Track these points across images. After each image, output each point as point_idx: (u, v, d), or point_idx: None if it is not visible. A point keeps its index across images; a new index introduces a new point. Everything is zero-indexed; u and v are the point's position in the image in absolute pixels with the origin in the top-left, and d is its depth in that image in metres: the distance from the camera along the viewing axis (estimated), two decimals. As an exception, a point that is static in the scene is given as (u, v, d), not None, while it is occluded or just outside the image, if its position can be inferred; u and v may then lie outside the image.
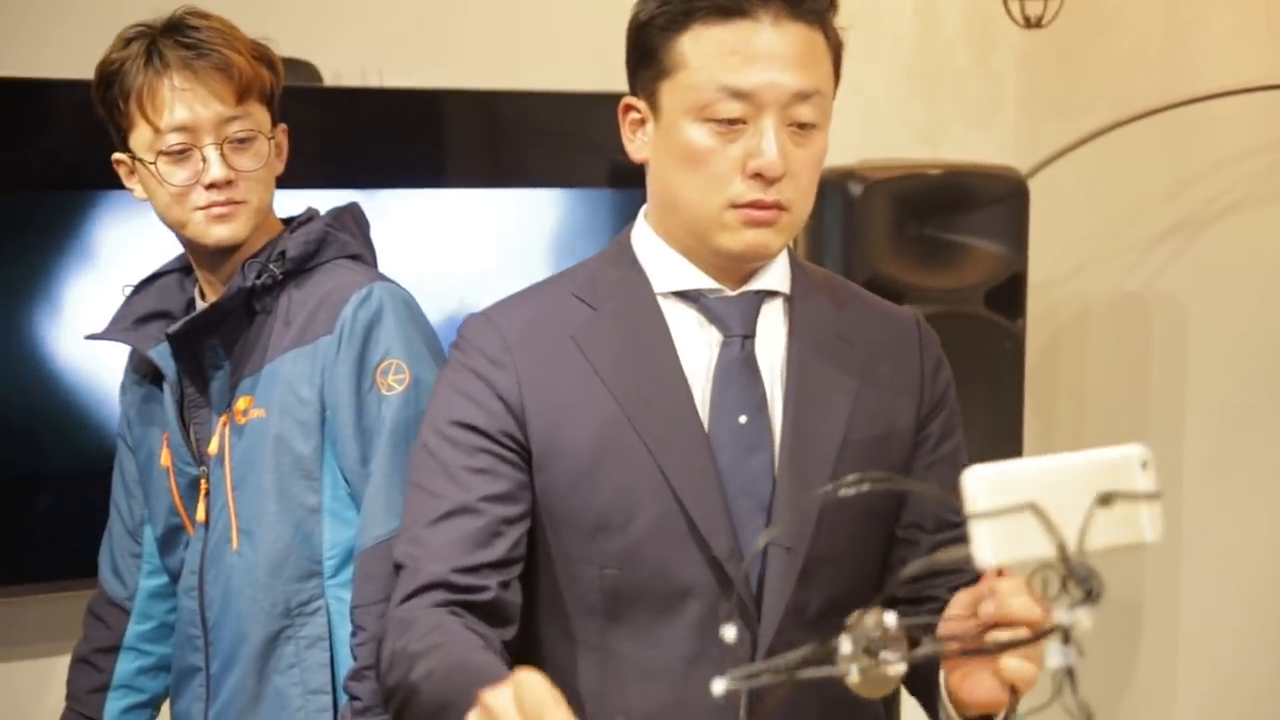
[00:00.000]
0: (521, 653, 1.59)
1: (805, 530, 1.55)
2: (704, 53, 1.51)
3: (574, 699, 1.59)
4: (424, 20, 3.01)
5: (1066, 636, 1.08)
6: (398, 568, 1.56)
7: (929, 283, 2.90)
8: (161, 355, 1.97)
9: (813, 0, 1.53)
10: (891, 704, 2.99)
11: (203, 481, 1.96)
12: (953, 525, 1.61)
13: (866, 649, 1.19)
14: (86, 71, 1.97)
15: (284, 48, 2.80)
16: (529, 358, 1.57)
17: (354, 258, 1.97)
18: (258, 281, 1.91)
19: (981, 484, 1.07)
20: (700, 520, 1.53)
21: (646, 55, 1.56)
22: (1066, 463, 1.10)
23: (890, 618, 1.18)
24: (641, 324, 1.58)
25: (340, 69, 2.90)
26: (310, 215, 2.00)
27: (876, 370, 1.63)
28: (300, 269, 1.93)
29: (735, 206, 1.52)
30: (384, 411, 1.86)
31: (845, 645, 1.17)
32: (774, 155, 1.50)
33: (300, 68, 2.84)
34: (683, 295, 1.60)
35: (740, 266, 1.59)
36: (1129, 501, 1.10)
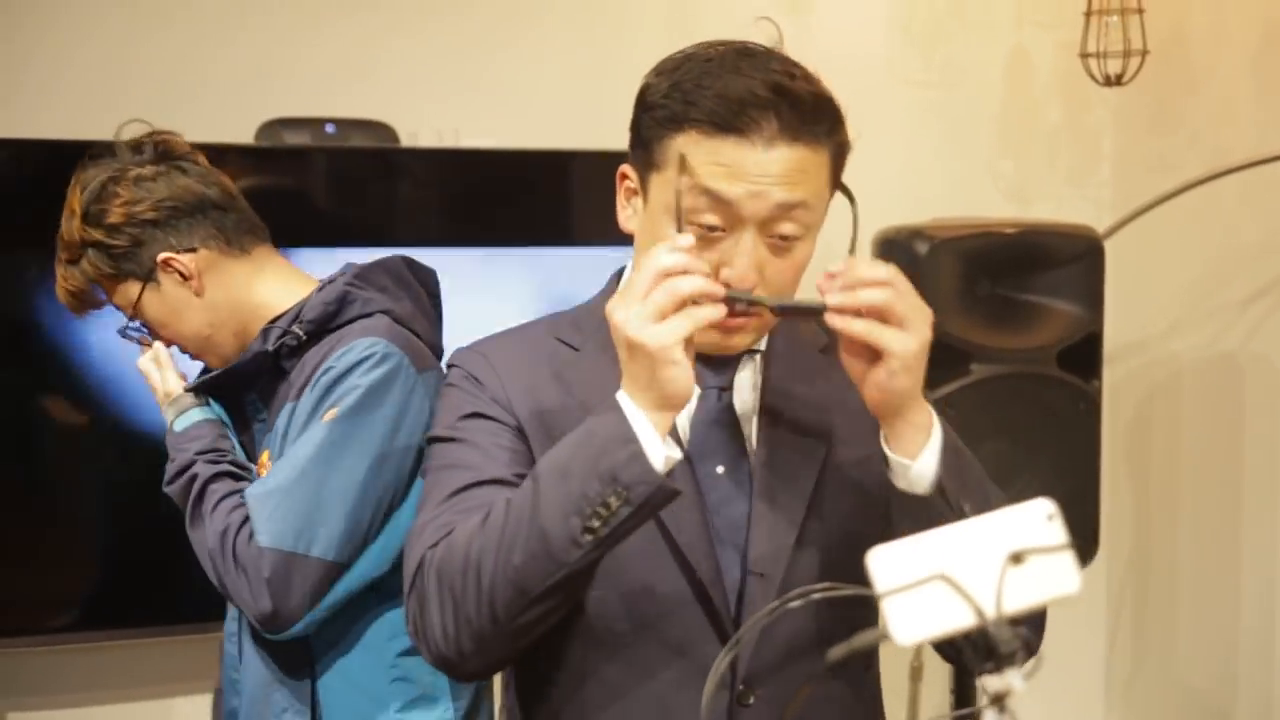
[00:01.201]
0: (521, 679, 1.64)
1: (781, 560, 1.56)
2: (694, 158, 1.47)
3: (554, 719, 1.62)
4: (497, 83, 3.08)
5: (1001, 705, 1.07)
6: (411, 540, 1.56)
7: (999, 343, 2.87)
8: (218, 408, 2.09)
9: (812, 125, 1.49)
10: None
11: None
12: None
13: None
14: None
15: (361, 109, 2.93)
16: (518, 388, 1.59)
17: (385, 313, 2.00)
18: (281, 343, 1.98)
19: (886, 561, 1.08)
20: (684, 545, 1.54)
21: (643, 139, 1.54)
22: (972, 528, 1.09)
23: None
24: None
25: (417, 130, 2.98)
26: (338, 275, 2.05)
27: (855, 402, 1.57)
28: (325, 329, 1.98)
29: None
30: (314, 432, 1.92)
31: None
32: (746, 268, 1.48)
33: (377, 129, 2.93)
34: None
35: None
36: (1043, 555, 1.08)
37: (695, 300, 1.42)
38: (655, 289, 1.40)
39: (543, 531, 1.41)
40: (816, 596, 1.25)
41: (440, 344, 2.10)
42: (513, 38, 3.13)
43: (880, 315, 1.42)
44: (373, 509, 1.91)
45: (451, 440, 1.59)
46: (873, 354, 1.44)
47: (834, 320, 1.44)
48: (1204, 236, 3.35)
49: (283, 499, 1.88)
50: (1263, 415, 3.26)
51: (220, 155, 2.73)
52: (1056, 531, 1.11)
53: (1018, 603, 1.09)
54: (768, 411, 1.61)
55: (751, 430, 1.61)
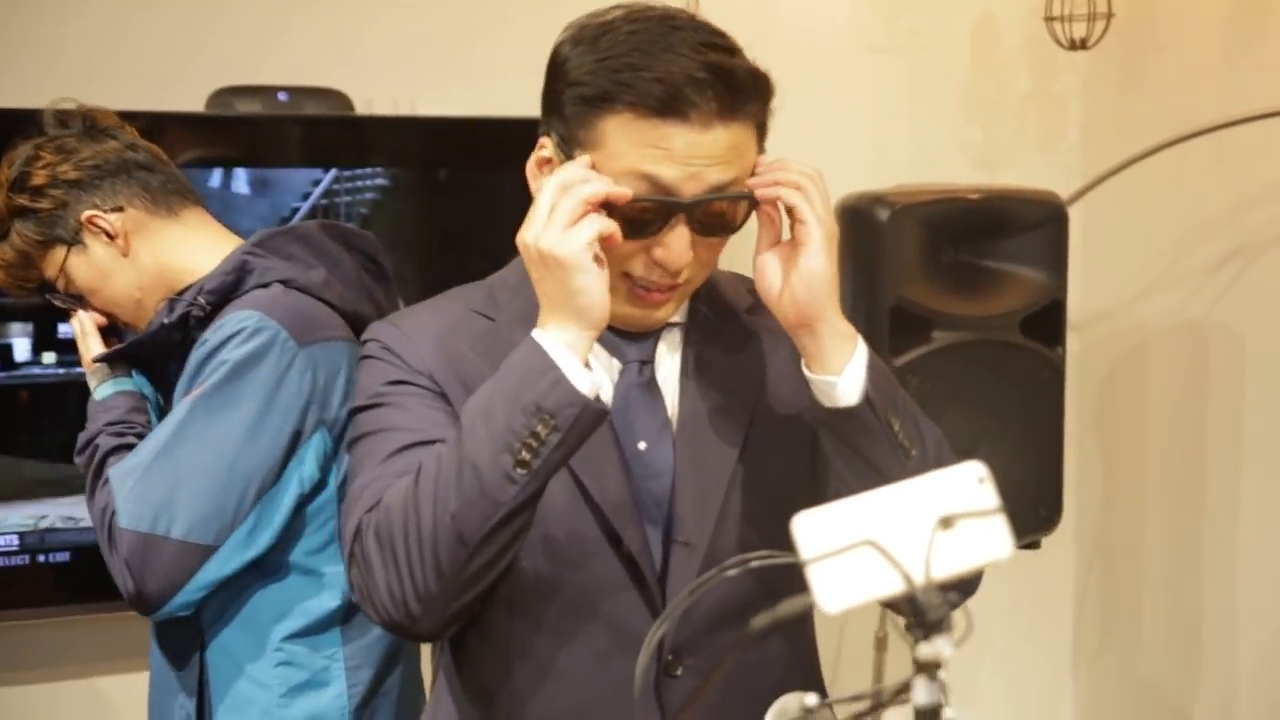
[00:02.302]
0: (452, 654, 1.62)
1: (706, 527, 1.55)
2: (625, 139, 1.43)
3: (484, 695, 1.60)
4: (455, 50, 3.04)
5: (932, 673, 1.05)
6: (348, 508, 1.53)
7: (962, 310, 2.84)
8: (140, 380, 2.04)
9: (748, 102, 1.46)
10: None
11: None
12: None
13: None
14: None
15: (315, 77, 2.88)
16: (437, 358, 1.56)
17: (283, 282, 1.96)
18: (188, 313, 1.94)
19: (812, 528, 1.05)
20: (611, 515, 1.53)
21: (565, 117, 1.49)
22: (900, 492, 1.06)
23: (811, 699, 1.19)
24: None
25: (372, 98, 2.94)
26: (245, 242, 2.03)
27: (780, 359, 1.60)
28: (228, 299, 1.95)
29: (630, 278, 1.50)
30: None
31: None
32: (681, 249, 1.47)
33: (331, 97, 2.88)
34: None
35: None
36: (974, 519, 1.06)
37: (600, 204, 1.42)
38: (559, 200, 1.40)
39: (475, 474, 1.39)
40: (754, 565, 1.22)
41: (374, 314, 2.04)
42: (471, 3, 3.08)
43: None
44: (241, 487, 1.87)
45: (378, 406, 1.56)
46: (786, 259, 1.47)
47: (758, 191, 1.47)
48: (1170, 202, 3.33)
49: (141, 478, 1.85)
50: (1228, 383, 3.24)
51: (170, 123, 2.72)
52: (988, 495, 1.08)
53: (948, 568, 1.06)
54: (690, 381, 1.59)
55: (674, 402, 1.59)
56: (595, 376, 1.43)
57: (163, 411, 2.02)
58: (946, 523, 1.05)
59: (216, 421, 1.86)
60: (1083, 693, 3.61)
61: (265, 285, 1.95)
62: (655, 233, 1.46)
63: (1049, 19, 3.05)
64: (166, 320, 1.95)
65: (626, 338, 1.58)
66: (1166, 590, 3.41)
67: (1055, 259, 2.91)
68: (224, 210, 2.47)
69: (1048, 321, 2.91)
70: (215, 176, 2.78)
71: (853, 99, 3.37)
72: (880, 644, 3.32)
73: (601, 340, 1.56)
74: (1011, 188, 3.03)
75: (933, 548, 1.05)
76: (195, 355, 1.90)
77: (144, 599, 1.85)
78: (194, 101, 2.81)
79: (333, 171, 2.84)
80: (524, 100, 2.93)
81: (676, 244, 1.46)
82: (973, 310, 2.85)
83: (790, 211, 1.49)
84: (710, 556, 1.54)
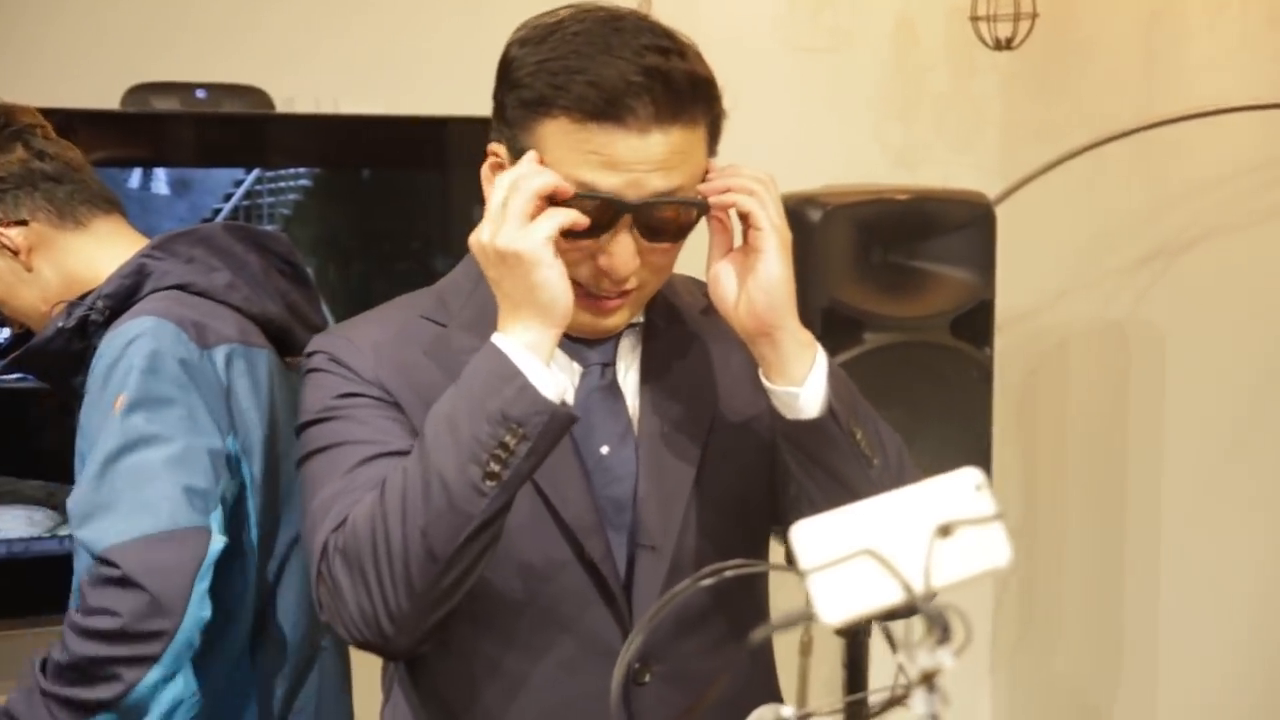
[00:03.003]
0: (410, 668, 1.58)
1: (670, 531, 1.53)
2: (563, 145, 1.41)
3: (446, 708, 1.57)
4: (378, 47, 2.98)
5: (931, 684, 1.03)
6: (310, 527, 1.47)
7: (892, 310, 2.83)
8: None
9: (689, 106, 1.42)
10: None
11: None
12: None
13: None
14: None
15: (238, 74, 2.81)
16: (389, 368, 1.52)
17: (180, 288, 1.90)
18: (85, 319, 1.87)
19: (810, 537, 1.02)
20: (573, 524, 1.50)
21: (509, 119, 1.46)
22: (898, 500, 1.04)
23: (787, 711, 1.17)
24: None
25: (293, 95, 2.87)
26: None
27: (737, 362, 1.59)
28: (127, 304, 1.88)
29: (577, 284, 1.46)
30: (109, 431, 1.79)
31: None
32: (627, 257, 1.44)
33: (250, 94, 2.81)
34: None
35: None
36: (973, 527, 1.04)
37: (553, 200, 1.39)
38: (510, 197, 1.37)
39: (443, 487, 1.35)
40: (730, 574, 1.19)
41: (285, 316, 2.00)
42: (392, 0, 3.03)
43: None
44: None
45: (330, 419, 1.51)
46: (742, 266, 1.45)
47: (710, 198, 1.45)
48: (1091, 203, 3.36)
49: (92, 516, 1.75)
50: (1149, 382, 3.28)
51: (84, 121, 2.64)
52: (985, 502, 1.06)
53: (947, 577, 1.04)
54: (650, 385, 1.57)
55: (635, 405, 1.57)
56: (560, 379, 1.39)
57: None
58: (945, 530, 1.04)
59: (137, 452, 1.78)
60: (1000, 691, 3.63)
61: (164, 289, 1.89)
62: (599, 236, 1.43)
63: (974, 19, 3.06)
64: (63, 325, 1.88)
65: (585, 342, 1.55)
66: (1086, 589, 3.44)
67: (983, 259, 2.91)
68: (143, 212, 2.40)
69: (976, 322, 2.92)
70: (134, 177, 2.70)
71: (775, 98, 3.36)
72: (804, 649, 3.31)
73: (560, 344, 1.53)
74: (939, 188, 3.03)
75: (932, 556, 1.03)
76: (95, 369, 1.82)
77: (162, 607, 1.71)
78: (109, 98, 2.72)
79: (255, 171, 2.77)
80: (447, 99, 2.92)
81: (621, 251, 1.44)
82: (903, 311, 2.85)
83: (745, 217, 1.47)
84: (675, 560, 1.53)
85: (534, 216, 1.38)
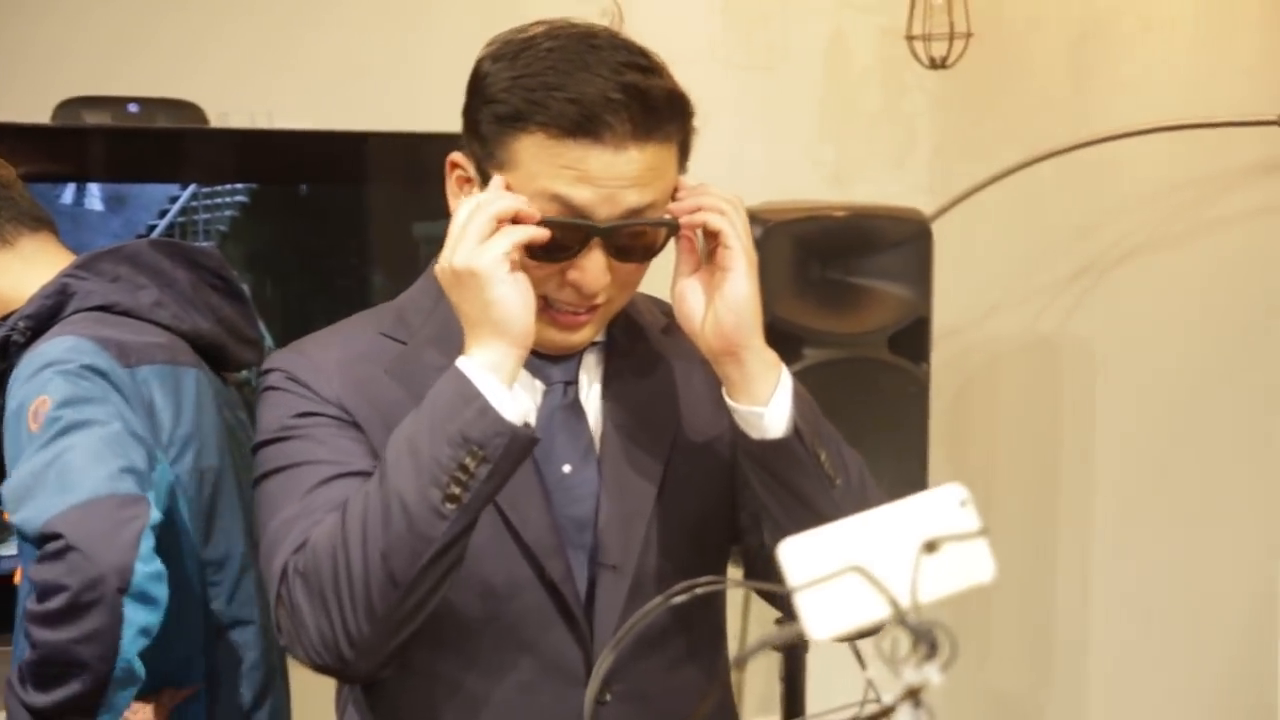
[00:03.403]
0: (364, 688, 1.55)
1: (632, 550, 1.52)
2: (538, 159, 1.40)
3: None
4: (314, 63, 2.95)
5: (917, 699, 1.04)
6: (270, 546, 1.44)
7: (831, 326, 2.85)
8: None
9: (664, 123, 1.42)
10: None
11: None
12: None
13: None
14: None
15: (172, 89, 2.77)
16: (348, 386, 1.50)
17: (104, 309, 1.86)
18: (10, 339, 1.84)
19: (797, 555, 1.02)
20: (532, 543, 1.49)
21: (481, 134, 1.45)
22: (884, 516, 1.05)
23: None
24: (458, 352, 1.48)
25: (227, 110, 2.83)
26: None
27: (697, 381, 1.59)
28: (49, 324, 1.85)
29: (544, 300, 1.46)
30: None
31: None
32: (597, 273, 1.43)
33: (184, 109, 2.78)
34: None
35: None
36: (957, 543, 1.05)
37: (513, 220, 1.39)
38: (471, 219, 1.37)
39: (404, 511, 1.33)
40: (700, 591, 1.19)
41: (217, 332, 1.97)
42: (327, 15, 3.00)
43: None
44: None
45: (288, 439, 1.48)
46: (708, 285, 1.46)
47: (680, 217, 1.45)
48: (1022, 221, 3.40)
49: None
50: (1080, 398, 3.32)
51: (14, 135, 2.59)
52: (969, 517, 1.08)
53: (933, 593, 1.05)
54: (612, 404, 1.56)
55: (596, 423, 1.56)
56: (522, 401, 1.38)
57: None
58: (931, 546, 1.05)
59: (69, 435, 1.73)
60: (932, 703, 3.65)
61: (88, 309, 1.85)
62: (571, 257, 1.43)
63: (910, 38, 3.08)
64: None
65: (548, 359, 1.54)
66: (1017, 601, 3.47)
67: (920, 276, 2.93)
68: (76, 228, 2.36)
69: (914, 338, 2.93)
70: (68, 193, 2.65)
71: (709, 115, 3.34)
72: (739, 664, 3.31)
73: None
74: (876, 205, 3.05)
75: (919, 572, 1.03)
76: (11, 389, 1.79)
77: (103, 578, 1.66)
78: (39, 113, 2.67)
79: (191, 187, 2.73)
80: (383, 114, 2.89)
81: (592, 268, 1.43)
82: (842, 327, 2.86)
83: (713, 236, 1.47)
84: (636, 580, 1.52)
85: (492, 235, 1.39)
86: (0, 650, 2.63)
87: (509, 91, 1.41)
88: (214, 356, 1.99)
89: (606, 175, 1.40)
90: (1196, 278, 3.04)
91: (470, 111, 1.47)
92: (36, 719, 1.69)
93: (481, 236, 1.37)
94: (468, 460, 1.34)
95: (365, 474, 1.42)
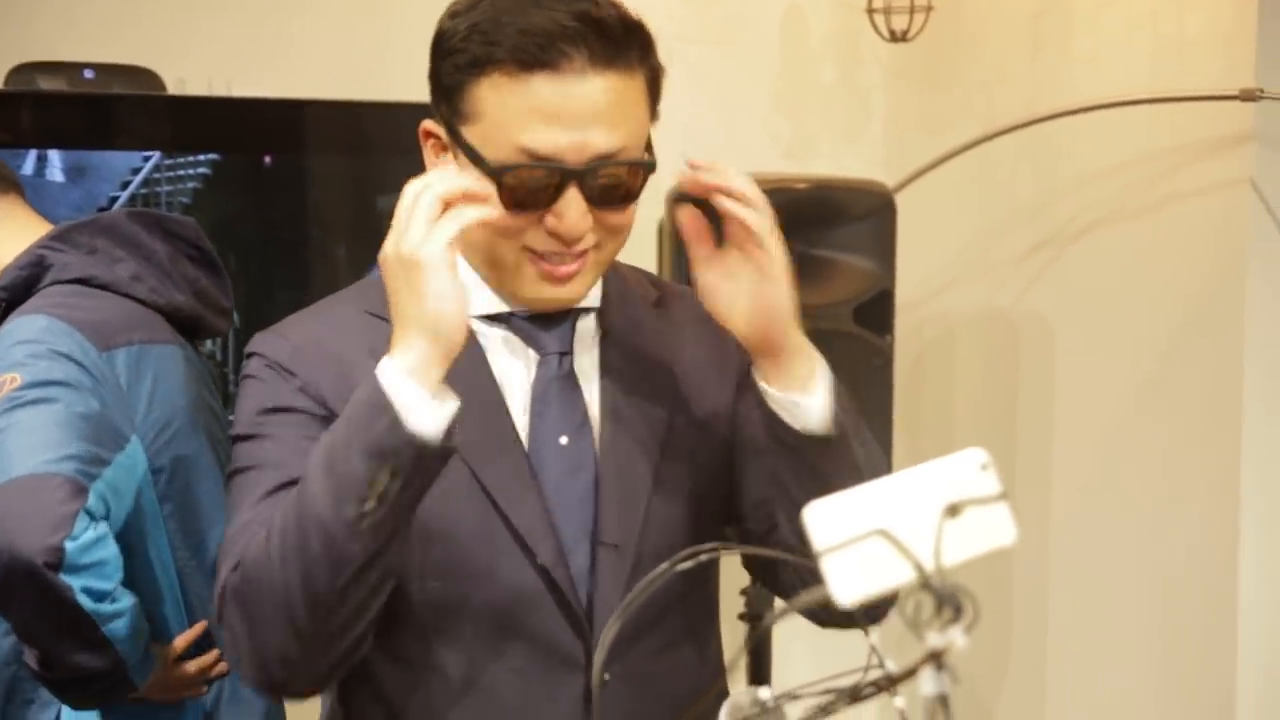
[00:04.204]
0: (346, 678, 1.49)
1: (632, 528, 1.49)
2: (502, 106, 1.38)
3: (393, 717, 1.51)
4: (274, 28, 2.90)
5: (940, 663, 1.03)
6: (222, 553, 1.40)
7: (797, 299, 2.84)
8: None
9: (624, 51, 1.40)
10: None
11: None
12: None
13: None
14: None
15: (127, 54, 2.72)
16: (329, 371, 1.46)
17: (81, 282, 1.81)
18: None
19: (824, 518, 1.02)
20: (523, 528, 1.45)
21: (445, 90, 1.43)
22: (907, 480, 1.05)
23: (765, 693, 1.16)
24: None
25: (185, 77, 2.78)
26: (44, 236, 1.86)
27: (691, 357, 1.57)
28: (24, 296, 1.80)
29: (531, 253, 1.43)
30: None
31: None
32: (574, 219, 1.40)
33: (141, 75, 2.72)
34: (491, 318, 1.51)
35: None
36: (978, 507, 1.06)
37: (460, 201, 1.34)
38: (415, 202, 1.31)
39: (320, 527, 1.29)
40: (704, 558, 1.19)
41: (193, 304, 1.93)
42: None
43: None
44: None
45: (253, 438, 1.44)
46: (734, 278, 1.44)
47: (724, 203, 1.42)
48: (979, 195, 3.41)
49: None
50: (1037, 373, 3.33)
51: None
52: (990, 481, 1.08)
53: (956, 556, 1.06)
54: (608, 375, 1.53)
55: (593, 395, 1.53)
56: (445, 408, 1.32)
57: None
58: (954, 510, 1.05)
59: (22, 409, 1.68)
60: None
61: (63, 282, 1.80)
62: (548, 204, 1.40)
63: (870, 11, 3.08)
64: None
65: (542, 324, 1.51)
66: (973, 579, 3.49)
67: (883, 248, 2.94)
68: (37, 198, 2.30)
69: (877, 310, 2.94)
70: (29, 163, 2.59)
71: (665, 89, 3.34)
72: (756, 632, 3.31)
73: (517, 329, 1.50)
74: (838, 177, 3.05)
75: (942, 536, 1.04)
76: None
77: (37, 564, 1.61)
78: (-11, 78, 2.62)
79: (154, 159, 2.68)
80: (346, 82, 2.85)
81: (570, 212, 1.39)
82: (806, 299, 2.77)
83: (739, 226, 1.44)
84: (637, 559, 1.49)
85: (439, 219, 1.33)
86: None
87: (466, 40, 1.39)
88: (188, 328, 1.95)
89: (571, 110, 1.36)
90: (1156, 253, 3.06)
91: (435, 73, 1.44)
92: (63, 694, 1.67)
93: (428, 220, 1.31)
94: (381, 474, 1.28)
95: None
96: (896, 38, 3.08)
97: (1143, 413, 3.13)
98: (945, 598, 1.03)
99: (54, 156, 2.62)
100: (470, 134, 1.41)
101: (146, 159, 2.68)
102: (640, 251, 3.04)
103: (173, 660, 1.82)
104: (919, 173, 3.25)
